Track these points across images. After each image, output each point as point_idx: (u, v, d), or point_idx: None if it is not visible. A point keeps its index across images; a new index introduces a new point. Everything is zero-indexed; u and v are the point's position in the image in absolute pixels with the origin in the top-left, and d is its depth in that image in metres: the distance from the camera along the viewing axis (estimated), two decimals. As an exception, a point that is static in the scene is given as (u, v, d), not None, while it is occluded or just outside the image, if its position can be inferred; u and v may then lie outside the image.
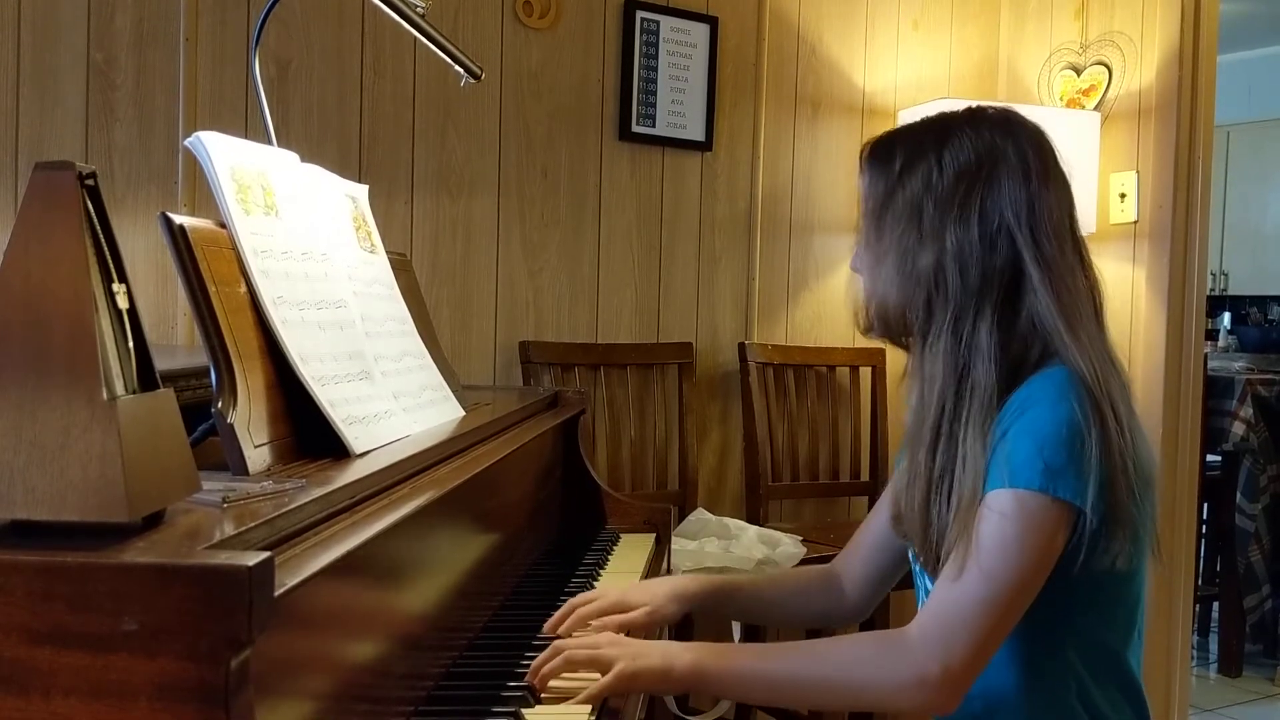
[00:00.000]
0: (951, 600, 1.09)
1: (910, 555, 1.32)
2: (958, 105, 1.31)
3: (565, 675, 1.11)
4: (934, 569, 1.19)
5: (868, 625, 2.62)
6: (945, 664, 1.07)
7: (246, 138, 1.17)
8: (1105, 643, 1.20)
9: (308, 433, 1.07)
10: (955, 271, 1.18)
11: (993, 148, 1.20)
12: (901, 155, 1.23)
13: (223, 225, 1.08)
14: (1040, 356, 1.17)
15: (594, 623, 1.29)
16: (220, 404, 0.96)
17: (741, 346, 2.91)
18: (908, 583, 1.42)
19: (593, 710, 1.06)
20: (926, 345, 1.21)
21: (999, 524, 1.09)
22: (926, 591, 1.26)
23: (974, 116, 1.24)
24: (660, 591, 1.36)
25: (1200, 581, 3.68)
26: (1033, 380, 1.15)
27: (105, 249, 0.72)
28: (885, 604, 2.61)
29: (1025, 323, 1.17)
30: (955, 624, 1.08)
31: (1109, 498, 1.10)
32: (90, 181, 0.72)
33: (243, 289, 1.06)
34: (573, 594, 1.36)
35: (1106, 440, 1.11)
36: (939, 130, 1.24)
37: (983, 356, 1.16)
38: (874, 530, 1.44)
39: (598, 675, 1.11)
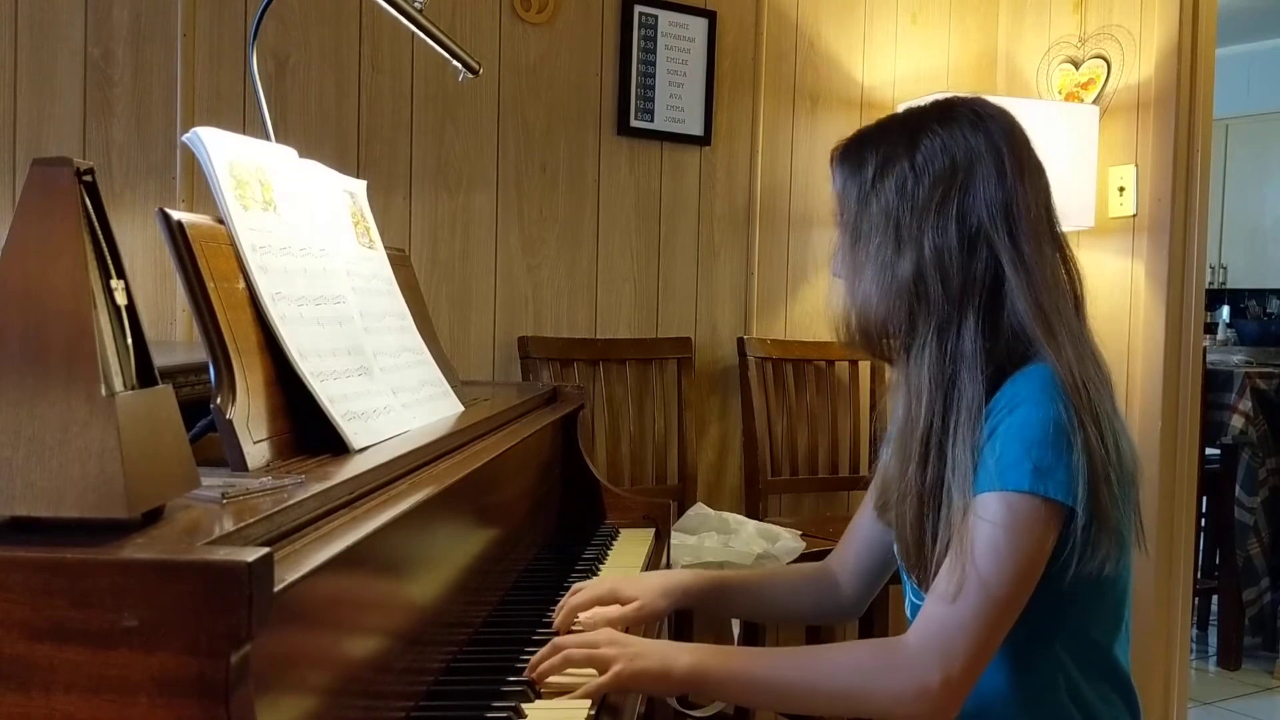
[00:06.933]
0: (948, 610, 1.09)
1: (897, 554, 1.32)
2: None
3: (566, 671, 1.12)
4: (923, 577, 1.18)
5: (867, 620, 2.64)
6: (945, 674, 1.07)
7: (244, 133, 1.17)
8: (1093, 638, 1.20)
9: (307, 428, 1.07)
10: (937, 279, 1.16)
11: (967, 149, 1.17)
12: (873, 160, 1.20)
13: (221, 221, 1.08)
14: (1022, 356, 1.16)
15: (583, 615, 1.29)
16: (219, 400, 0.96)
17: (740, 341, 2.91)
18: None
19: (592, 706, 1.07)
20: (911, 357, 1.19)
21: (991, 531, 1.09)
22: (913, 591, 1.26)
23: (944, 113, 1.21)
24: (652, 585, 1.36)
25: (1199, 575, 3.69)
26: (1017, 378, 1.14)
27: (103, 245, 0.72)
28: (885, 601, 2.64)
29: (1007, 325, 1.16)
30: (954, 634, 1.08)
31: (1093, 497, 1.10)
32: (88, 177, 0.72)
33: (241, 285, 1.06)
34: (573, 588, 1.36)
35: (1088, 443, 1.10)
36: (910, 131, 1.21)
37: (968, 364, 1.15)
38: (863, 526, 1.45)
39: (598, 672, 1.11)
